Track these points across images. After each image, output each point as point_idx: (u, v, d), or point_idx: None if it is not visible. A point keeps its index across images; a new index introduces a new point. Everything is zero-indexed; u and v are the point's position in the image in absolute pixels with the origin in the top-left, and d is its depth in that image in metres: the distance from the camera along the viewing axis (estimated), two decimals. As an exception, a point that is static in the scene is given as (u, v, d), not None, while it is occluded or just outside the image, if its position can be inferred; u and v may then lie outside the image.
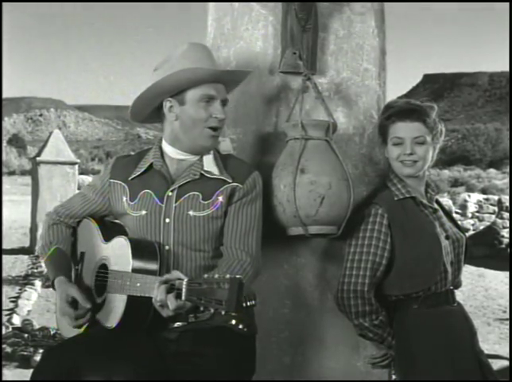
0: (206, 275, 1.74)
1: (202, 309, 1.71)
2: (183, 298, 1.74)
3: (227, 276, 1.67)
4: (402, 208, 2.30)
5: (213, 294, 1.66)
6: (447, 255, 2.29)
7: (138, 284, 1.90)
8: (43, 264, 8.78)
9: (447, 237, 2.32)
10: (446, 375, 2.21)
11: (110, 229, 2.16)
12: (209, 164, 2.11)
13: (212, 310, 1.68)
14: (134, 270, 1.94)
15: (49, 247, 2.19)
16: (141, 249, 1.99)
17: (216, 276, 1.69)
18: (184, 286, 1.73)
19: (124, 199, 2.14)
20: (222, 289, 1.65)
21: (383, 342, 2.30)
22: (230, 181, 2.08)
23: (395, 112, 2.32)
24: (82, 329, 2.07)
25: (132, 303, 1.92)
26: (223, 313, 1.67)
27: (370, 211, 2.29)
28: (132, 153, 2.40)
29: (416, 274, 2.26)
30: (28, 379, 1.95)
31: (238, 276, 1.68)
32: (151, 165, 2.14)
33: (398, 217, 2.28)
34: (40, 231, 9.89)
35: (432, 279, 2.26)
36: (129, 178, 2.15)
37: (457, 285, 2.38)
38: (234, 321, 2.05)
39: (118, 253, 2.03)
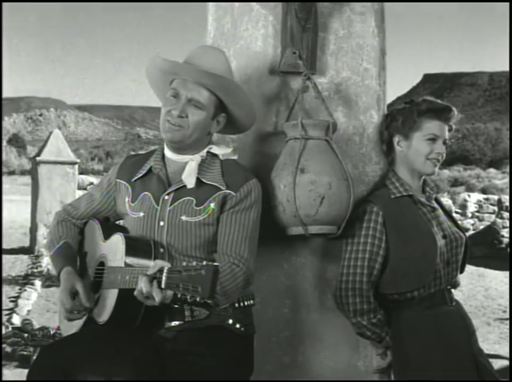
0: (185, 263, 1.75)
1: (179, 296, 1.73)
2: (162, 286, 1.75)
3: (204, 263, 1.70)
4: (398, 206, 2.30)
5: (191, 280, 1.69)
6: (442, 254, 2.29)
7: (127, 277, 1.91)
8: (43, 264, 8.82)
9: (444, 236, 2.32)
10: (438, 376, 2.22)
11: (111, 228, 2.17)
12: (188, 172, 2.08)
13: (189, 297, 1.70)
14: (127, 266, 1.95)
15: (58, 240, 2.20)
16: (135, 246, 2.01)
17: (194, 263, 1.71)
18: (164, 275, 1.75)
19: (126, 199, 2.15)
20: (199, 275, 1.68)
21: (381, 342, 2.30)
22: (224, 188, 2.06)
23: (434, 109, 2.32)
24: (79, 322, 2.08)
25: (123, 297, 1.93)
26: (198, 299, 1.71)
27: (366, 209, 2.30)
28: (141, 152, 2.42)
29: (410, 272, 2.26)
30: (28, 378, 1.96)
31: (214, 264, 1.70)
32: (151, 168, 2.14)
33: (393, 215, 2.29)
34: (40, 231, 9.94)
35: (426, 278, 2.26)
36: (133, 179, 2.16)
37: (455, 285, 2.38)
38: (231, 321, 2.06)
39: (113, 249, 2.05)
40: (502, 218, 11.87)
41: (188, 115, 2.05)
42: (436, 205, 2.40)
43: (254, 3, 2.47)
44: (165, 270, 1.76)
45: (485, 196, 13.29)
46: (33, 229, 10.10)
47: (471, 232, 11.66)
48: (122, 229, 2.16)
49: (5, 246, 9.79)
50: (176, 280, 1.72)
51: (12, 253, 9.83)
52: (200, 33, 2.61)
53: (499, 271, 9.82)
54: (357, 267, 2.26)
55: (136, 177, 2.16)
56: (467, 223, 12.05)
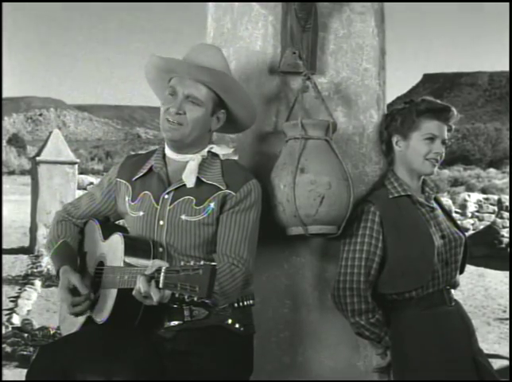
0: (183, 263, 1.75)
1: (177, 295, 1.73)
2: (160, 285, 1.76)
3: (202, 262, 1.70)
4: (397, 206, 2.30)
5: (188, 280, 1.69)
6: (440, 254, 2.29)
7: (126, 277, 1.91)
8: (43, 264, 8.83)
9: (442, 236, 2.32)
10: (437, 376, 2.22)
11: (111, 228, 2.17)
12: (188, 171, 2.08)
13: (187, 297, 1.70)
14: (126, 266, 1.95)
15: (57, 240, 2.20)
16: (134, 245, 2.01)
17: (192, 263, 1.71)
18: (162, 275, 1.76)
19: (126, 199, 2.16)
20: (196, 275, 1.68)
21: (380, 341, 2.31)
22: (224, 188, 2.06)
23: (433, 109, 2.32)
24: (79, 321, 2.07)
25: (122, 297, 1.93)
26: (195, 299, 1.72)
27: (363, 209, 2.30)
28: (143, 152, 2.42)
29: (409, 272, 2.26)
30: (28, 379, 1.96)
31: (212, 264, 1.71)
32: (152, 168, 2.14)
33: (392, 215, 2.29)
34: (40, 231, 9.92)
35: (424, 278, 2.26)
36: (133, 179, 2.16)
37: (454, 285, 2.38)
38: (230, 321, 2.06)
39: (113, 249, 2.05)
40: (502, 218, 11.87)
41: (186, 112, 2.05)
42: (435, 205, 2.40)
43: (254, 3, 2.47)
44: (163, 270, 1.76)
45: (485, 196, 13.28)
46: (33, 229, 10.10)
47: (471, 232, 11.66)
48: (122, 229, 2.16)
49: (5, 246, 9.78)
50: (174, 280, 1.72)
51: (12, 253, 9.82)
52: (200, 33, 2.61)
53: (499, 271, 9.81)
54: (354, 266, 2.26)
55: (136, 177, 2.16)
56: (467, 223, 12.05)
